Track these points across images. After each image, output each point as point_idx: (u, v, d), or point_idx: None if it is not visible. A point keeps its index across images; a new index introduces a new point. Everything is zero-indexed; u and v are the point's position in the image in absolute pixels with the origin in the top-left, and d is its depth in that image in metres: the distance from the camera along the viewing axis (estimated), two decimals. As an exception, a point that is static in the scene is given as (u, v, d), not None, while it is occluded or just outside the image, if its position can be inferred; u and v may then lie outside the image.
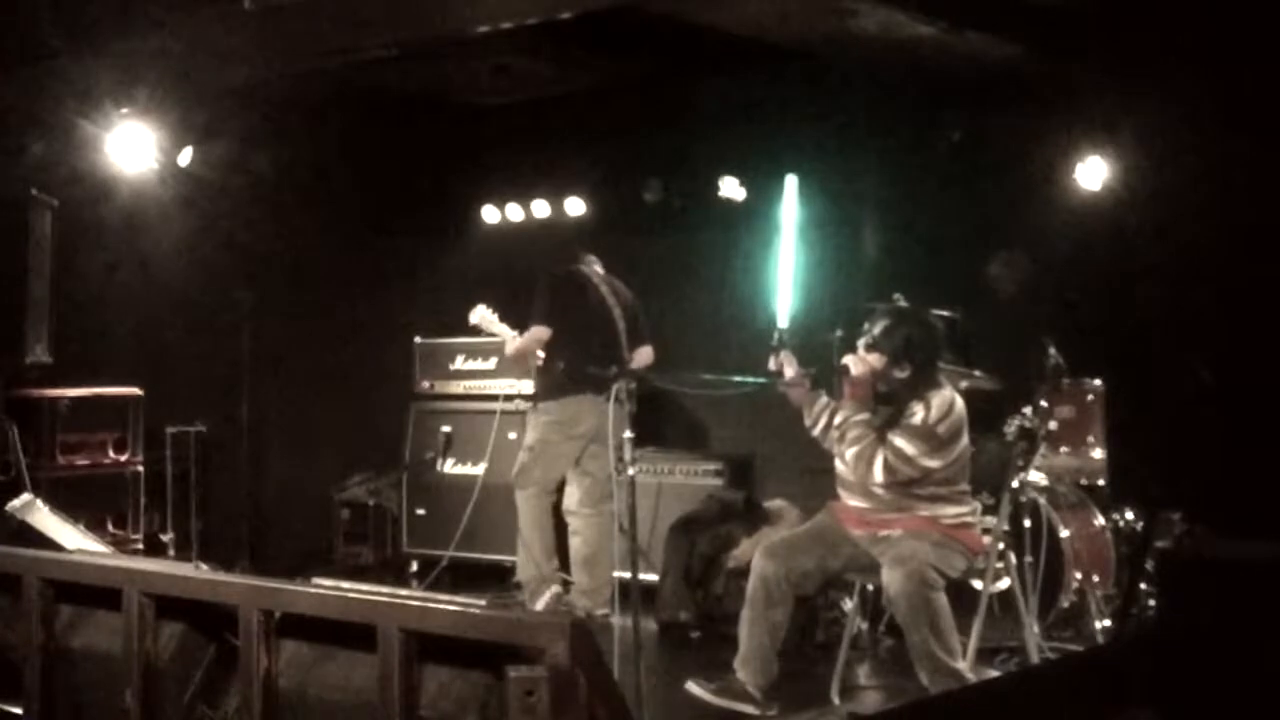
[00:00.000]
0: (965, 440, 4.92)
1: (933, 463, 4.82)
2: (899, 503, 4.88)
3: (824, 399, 5.10)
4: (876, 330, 4.96)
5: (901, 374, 4.93)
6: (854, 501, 5.01)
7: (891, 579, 4.67)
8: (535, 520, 6.59)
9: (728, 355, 7.30)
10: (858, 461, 4.85)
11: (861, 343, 4.99)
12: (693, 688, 4.99)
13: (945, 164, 6.94)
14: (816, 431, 5.11)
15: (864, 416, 4.90)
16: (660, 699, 5.06)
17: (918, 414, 4.84)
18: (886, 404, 4.94)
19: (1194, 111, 5.84)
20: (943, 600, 4.67)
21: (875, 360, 4.93)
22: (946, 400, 4.89)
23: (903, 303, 5.50)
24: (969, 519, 4.96)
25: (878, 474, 4.82)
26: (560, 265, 6.81)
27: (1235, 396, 5.90)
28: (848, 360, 4.96)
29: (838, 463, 5.07)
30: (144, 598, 3.50)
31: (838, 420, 4.96)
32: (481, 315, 6.93)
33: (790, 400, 5.14)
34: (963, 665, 4.71)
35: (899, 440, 4.81)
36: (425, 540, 7.82)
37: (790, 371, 5.04)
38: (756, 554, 5.03)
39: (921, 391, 4.89)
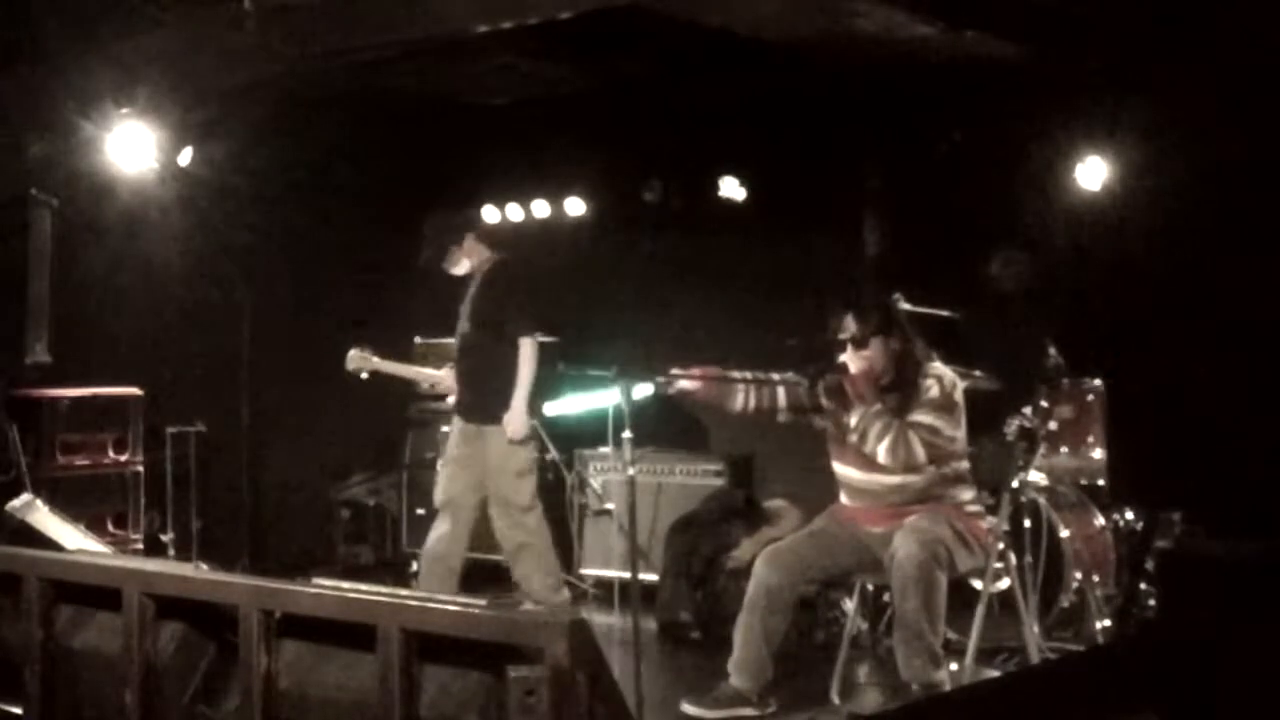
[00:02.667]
0: None
1: (958, 432, 4.85)
2: (928, 490, 4.86)
3: (734, 373, 5.05)
4: (852, 329, 4.90)
5: (896, 345, 4.91)
6: (872, 502, 4.96)
7: (903, 543, 4.66)
8: (544, 527, 6.38)
9: (727, 355, 7.31)
10: (894, 450, 4.76)
11: (849, 349, 4.92)
12: (688, 709, 4.96)
13: (945, 164, 6.95)
14: (751, 412, 5.06)
15: (877, 408, 4.85)
16: (660, 700, 5.06)
17: (933, 387, 4.83)
18: (891, 391, 4.93)
19: (1193, 111, 5.84)
20: (943, 580, 4.66)
21: (871, 352, 4.91)
22: (949, 374, 4.93)
23: (903, 303, 5.50)
24: (980, 508, 4.99)
25: (919, 455, 4.75)
26: (516, 256, 6.58)
27: (1235, 396, 5.90)
28: (845, 359, 4.93)
29: (843, 469, 5.04)
30: (144, 598, 3.51)
31: (853, 423, 4.90)
32: (358, 360, 6.47)
33: (699, 400, 5.11)
34: (940, 647, 4.69)
35: (925, 417, 4.79)
36: (425, 540, 7.80)
37: (689, 383, 4.96)
38: (759, 561, 4.99)
39: (924, 366, 4.90)
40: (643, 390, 4.83)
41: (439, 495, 6.35)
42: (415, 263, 6.40)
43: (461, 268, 6.32)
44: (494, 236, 6.59)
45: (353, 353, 6.47)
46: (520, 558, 6.28)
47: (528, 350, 6.10)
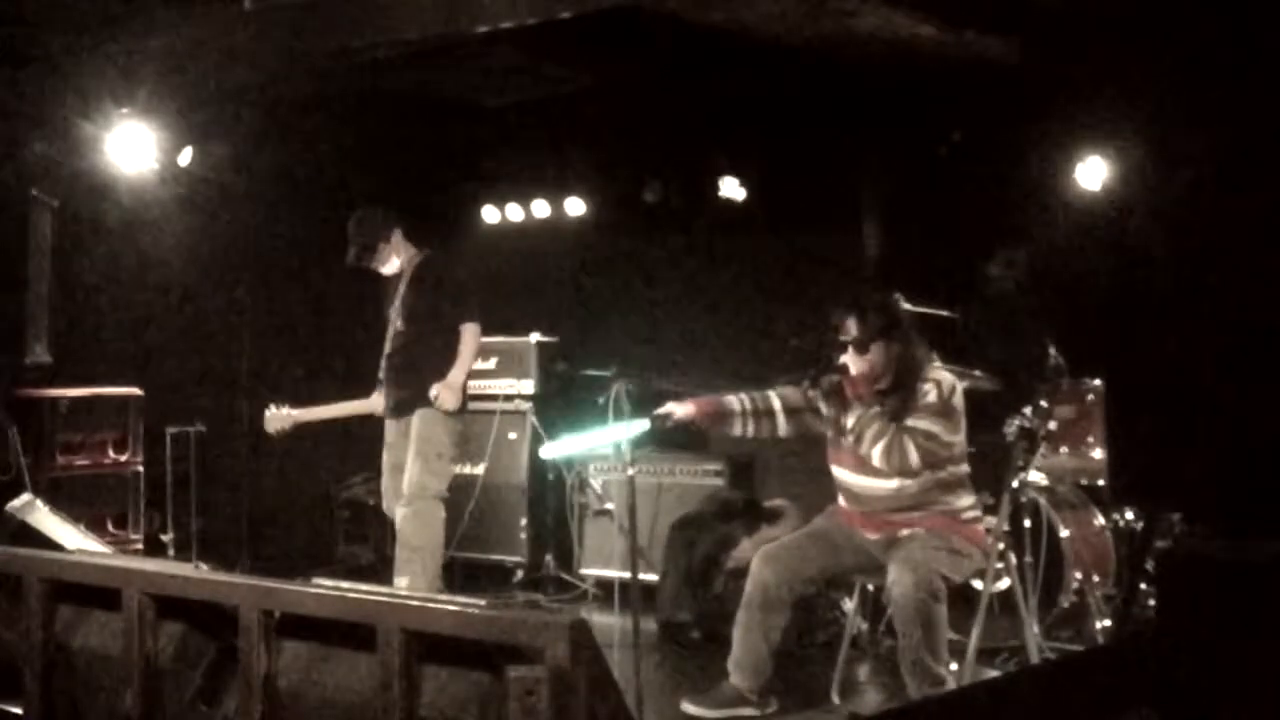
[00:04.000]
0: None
1: (956, 438, 4.83)
2: (924, 496, 4.84)
3: (728, 397, 5.06)
4: (853, 330, 4.88)
5: (895, 348, 4.88)
6: (867, 507, 4.95)
7: (899, 580, 4.64)
8: (440, 533, 6.17)
9: (727, 355, 7.31)
10: (889, 454, 4.76)
11: (850, 350, 4.90)
12: (689, 707, 4.96)
13: (945, 164, 6.95)
14: (751, 431, 5.06)
15: (875, 411, 4.84)
16: (660, 700, 5.06)
17: (930, 393, 4.81)
18: (890, 395, 4.92)
19: (1193, 111, 5.84)
20: (943, 611, 4.66)
21: (872, 356, 4.89)
22: (949, 378, 4.90)
23: (903, 303, 5.49)
24: (978, 512, 4.98)
25: (914, 460, 4.74)
26: (442, 251, 6.50)
27: (1235, 396, 5.90)
28: (846, 359, 4.91)
29: (840, 471, 5.03)
30: (144, 598, 3.51)
31: (849, 425, 4.89)
32: (278, 420, 6.31)
33: (698, 425, 5.10)
34: (945, 671, 4.70)
35: (922, 423, 4.77)
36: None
37: (682, 410, 4.96)
38: (755, 559, 4.99)
39: (924, 371, 4.88)
40: (639, 426, 4.84)
41: (387, 507, 6.30)
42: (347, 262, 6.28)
43: (390, 266, 6.30)
44: (420, 233, 6.51)
45: (269, 413, 6.35)
46: (407, 561, 6.06)
47: (470, 334, 6.11)
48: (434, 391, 6.04)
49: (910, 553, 4.73)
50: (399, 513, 6.12)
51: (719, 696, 4.93)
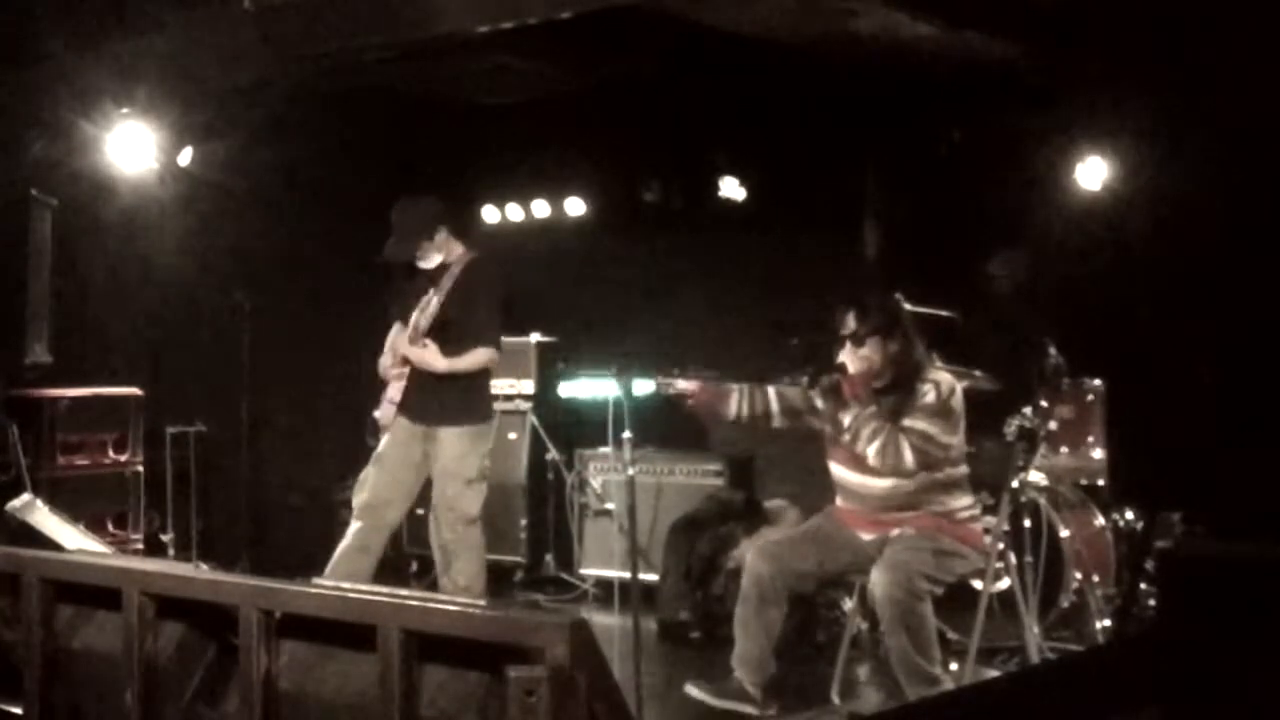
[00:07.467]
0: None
1: (953, 439, 4.84)
2: (919, 496, 4.85)
3: (733, 387, 5.08)
4: (852, 324, 4.90)
5: (895, 347, 4.89)
6: (862, 506, 4.97)
7: (879, 581, 4.67)
8: (483, 553, 5.95)
9: (727, 355, 7.30)
10: (884, 453, 4.77)
11: (847, 345, 4.91)
12: (692, 690, 4.99)
13: (945, 164, 6.95)
14: (745, 414, 5.09)
15: (872, 410, 4.85)
16: (660, 699, 5.06)
17: (929, 394, 4.82)
18: (888, 394, 4.93)
19: (1193, 111, 5.84)
20: (927, 610, 4.68)
21: (870, 351, 4.90)
22: (948, 379, 4.91)
23: (903, 303, 5.50)
24: (975, 511, 4.98)
25: (908, 460, 4.75)
26: (491, 254, 6.08)
27: (1235, 396, 5.90)
28: (844, 358, 4.93)
29: (837, 469, 5.05)
30: (144, 598, 3.50)
31: (846, 423, 4.90)
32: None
33: (696, 405, 5.11)
34: (938, 670, 4.70)
35: (919, 423, 4.78)
36: (425, 540, 7.75)
37: (684, 382, 4.99)
38: (750, 555, 5.02)
39: (923, 372, 4.89)
40: (644, 387, 4.86)
41: (363, 498, 5.90)
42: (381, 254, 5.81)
43: (430, 261, 5.80)
44: (469, 231, 6.29)
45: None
46: (452, 565, 5.80)
47: (486, 357, 5.76)
48: (427, 343, 5.68)
49: (893, 554, 4.76)
50: (444, 533, 5.81)
51: (723, 688, 4.95)
